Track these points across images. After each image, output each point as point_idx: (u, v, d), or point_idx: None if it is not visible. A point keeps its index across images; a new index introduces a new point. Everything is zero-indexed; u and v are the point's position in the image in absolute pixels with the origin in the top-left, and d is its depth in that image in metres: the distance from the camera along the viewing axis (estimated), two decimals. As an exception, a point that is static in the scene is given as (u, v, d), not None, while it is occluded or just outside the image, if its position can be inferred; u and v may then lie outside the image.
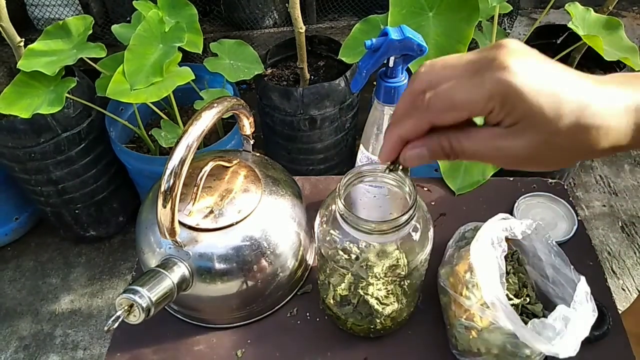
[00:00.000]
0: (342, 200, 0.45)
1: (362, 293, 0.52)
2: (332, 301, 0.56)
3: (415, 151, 0.33)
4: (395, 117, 0.34)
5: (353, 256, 0.50)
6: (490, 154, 0.31)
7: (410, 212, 0.45)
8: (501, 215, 0.56)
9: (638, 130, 0.29)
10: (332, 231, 0.50)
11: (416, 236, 0.49)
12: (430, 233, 0.50)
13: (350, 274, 0.51)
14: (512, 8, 1.21)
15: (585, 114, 0.28)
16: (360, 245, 0.50)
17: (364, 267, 0.50)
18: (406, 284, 0.52)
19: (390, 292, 0.52)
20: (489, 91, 0.29)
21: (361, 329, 0.56)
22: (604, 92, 0.29)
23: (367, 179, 0.50)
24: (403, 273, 0.50)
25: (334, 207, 0.48)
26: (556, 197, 0.73)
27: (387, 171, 0.36)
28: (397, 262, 0.50)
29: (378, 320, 0.54)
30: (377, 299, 0.52)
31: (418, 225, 0.49)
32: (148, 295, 0.46)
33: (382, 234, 0.45)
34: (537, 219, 0.57)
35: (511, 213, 0.71)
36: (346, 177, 0.48)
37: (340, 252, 0.50)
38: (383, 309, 0.53)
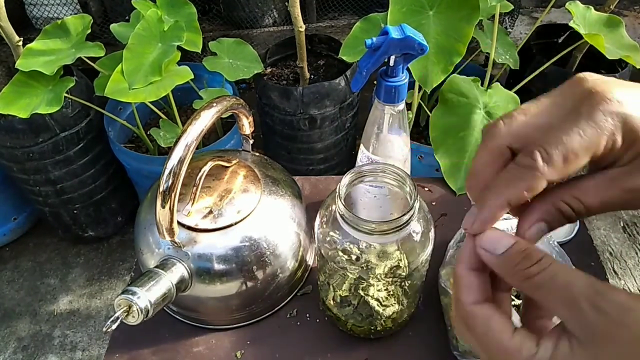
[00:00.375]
0: (342, 201, 0.45)
1: (362, 294, 0.52)
2: (332, 302, 0.55)
3: (534, 228, 0.29)
4: (482, 175, 0.30)
5: (353, 257, 0.50)
6: (619, 199, 0.27)
7: (411, 212, 0.44)
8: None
9: None
10: (332, 232, 0.49)
11: (417, 237, 0.49)
12: (431, 233, 0.50)
13: (350, 275, 0.50)
14: (513, 7, 1.21)
15: None
16: (360, 246, 0.50)
17: (365, 268, 0.50)
18: (407, 284, 0.52)
19: (391, 293, 0.52)
20: (609, 128, 0.26)
21: (361, 330, 0.56)
22: None
23: (368, 179, 0.49)
24: (404, 274, 0.49)
25: (334, 207, 0.48)
26: None
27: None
28: (398, 263, 0.49)
29: (378, 322, 0.54)
30: (377, 300, 0.52)
31: (419, 226, 0.49)
32: (147, 296, 0.46)
33: (382, 235, 0.45)
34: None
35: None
36: (346, 177, 0.47)
37: (341, 253, 0.50)
38: (384, 310, 0.53)
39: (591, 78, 0.27)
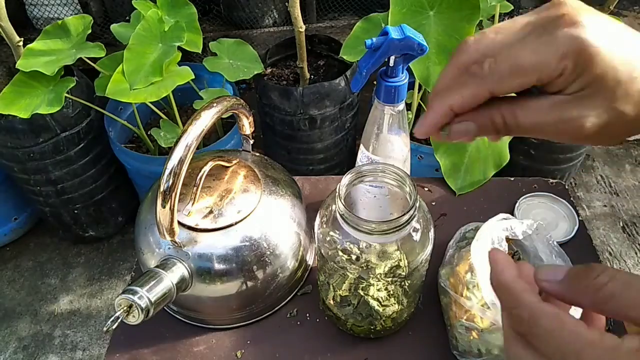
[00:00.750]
0: (342, 201, 0.45)
1: (362, 294, 0.52)
2: (332, 302, 0.56)
3: (462, 125, 0.29)
4: (441, 85, 0.29)
5: (353, 257, 0.50)
6: (552, 126, 0.27)
7: (411, 212, 0.44)
8: (502, 215, 0.56)
9: None
10: (332, 232, 0.49)
11: (417, 236, 0.49)
12: (431, 233, 0.50)
13: (350, 274, 0.50)
14: (512, 7, 1.21)
15: None
16: (360, 246, 0.50)
17: (365, 268, 0.50)
18: (407, 284, 0.52)
19: (391, 293, 0.52)
20: (563, 49, 0.26)
21: (361, 329, 0.56)
22: None
23: (368, 179, 0.50)
24: (404, 274, 0.49)
25: (334, 207, 0.48)
26: (557, 197, 0.72)
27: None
28: (398, 262, 0.49)
29: (378, 322, 0.54)
30: (377, 300, 0.52)
31: (419, 226, 0.49)
32: (147, 295, 0.46)
33: (382, 234, 0.45)
34: (538, 219, 0.57)
35: (512, 213, 0.71)
36: (346, 177, 0.47)
37: (340, 253, 0.50)
38: (384, 310, 0.53)
39: (571, 2, 0.27)
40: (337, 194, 0.45)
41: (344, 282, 0.52)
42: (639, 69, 0.26)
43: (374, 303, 0.52)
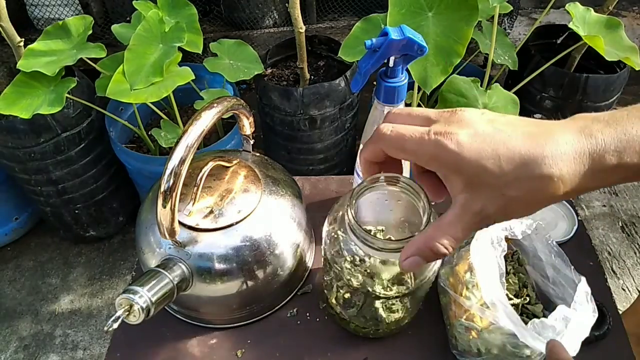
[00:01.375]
0: (353, 212, 0.43)
1: (368, 299, 0.51)
2: (334, 301, 0.56)
3: (409, 261, 0.35)
4: (366, 142, 0.38)
5: (361, 263, 0.49)
6: (471, 229, 0.33)
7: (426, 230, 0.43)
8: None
9: (593, 174, 0.30)
10: (340, 238, 0.49)
11: None
12: None
13: (357, 282, 0.50)
14: (512, 8, 1.21)
15: (531, 166, 0.30)
16: (369, 258, 0.49)
17: (371, 276, 0.49)
18: (415, 295, 0.51)
19: (398, 300, 0.51)
20: (431, 152, 0.32)
21: (365, 331, 0.56)
22: (553, 143, 0.30)
23: (379, 190, 0.48)
24: (412, 286, 0.49)
25: (341, 213, 0.47)
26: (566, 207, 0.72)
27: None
28: (407, 275, 0.49)
29: (382, 325, 0.54)
30: (384, 306, 0.52)
31: None
32: (148, 295, 0.46)
33: (392, 252, 0.43)
34: (537, 219, 0.57)
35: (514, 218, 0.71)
36: (359, 186, 0.46)
37: (349, 259, 0.49)
38: (388, 316, 0.52)
39: (466, 114, 0.33)
40: (347, 204, 0.43)
41: (351, 286, 0.52)
42: (505, 158, 0.31)
43: (380, 310, 0.52)
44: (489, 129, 0.32)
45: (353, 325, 0.56)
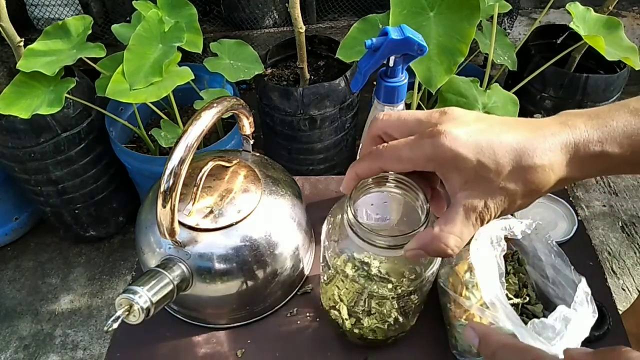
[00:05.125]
0: (353, 211, 0.43)
1: (369, 306, 0.51)
2: (333, 303, 0.55)
3: (414, 252, 0.36)
4: (359, 156, 0.40)
5: (361, 267, 0.49)
6: (475, 226, 0.34)
7: (424, 228, 0.43)
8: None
9: (579, 163, 0.33)
10: (339, 241, 0.48)
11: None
12: None
13: (358, 286, 0.49)
14: (511, 7, 1.21)
15: (524, 158, 0.32)
16: (368, 257, 0.49)
17: (372, 279, 0.49)
18: (415, 298, 0.51)
19: (398, 307, 0.51)
20: (428, 154, 0.33)
21: (371, 339, 0.55)
22: (541, 136, 0.33)
23: (377, 189, 0.48)
24: (412, 288, 0.48)
25: (340, 214, 0.47)
26: (556, 197, 0.73)
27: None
28: (406, 276, 0.48)
29: (380, 331, 0.54)
30: (383, 313, 0.51)
31: None
32: (148, 295, 0.46)
33: (393, 249, 0.43)
34: (537, 219, 0.57)
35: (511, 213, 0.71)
36: (359, 186, 0.46)
37: (349, 264, 0.49)
38: (387, 324, 0.52)
39: (454, 112, 0.35)
40: (347, 205, 0.44)
41: (350, 292, 0.51)
42: (504, 157, 0.32)
43: (379, 311, 0.51)
44: (481, 125, 0.33)
45: (356, 333, 0.55)
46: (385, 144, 0.36)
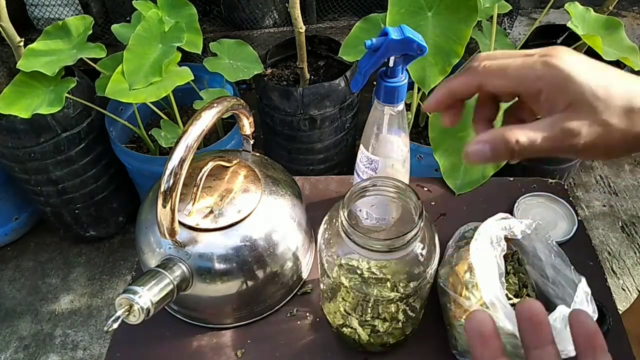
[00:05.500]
0: (346, 215, 0.43)
1: (368, 313, 0.51)
2: (332, 310, 0.55)
3: (477, 146, 0.33)
4: (449, 77, 0.37)
5: (358, 271, 0.49)
6: (553, 143, 0.32)
7: (416, 229, 0.43)
8: (501, 214, 0.56)
9: None
10: (335, 244, 0.48)
11: (423, 251, 0.47)
12: (437, 244, 0.48)
13: (359, 294, 0.49)
14: (511, 7, 1.21)
15: (636, 98, 0.31)
16: (357, 262, 0.49)
17: (371, 283, 0.49)
18: (414, 301, 0.51)
19: (398, 310, 0.51)
20: (539, 72, 0.33)
21: (371, 345, 0.55)
22: None
23: (371, 194, 0.48)
24: (409, 291, 0.48)
25: (336, 218, 0.47)
26: (556, 197, 0.73)
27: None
28: (403, 280, 0.48)
29: (378, 336, 0.53)
30: (382, 317, 0.51)
31: (424, 241, 0.47)
32: (148, 295, 0.46)
33: (388, 252, 0.43)
34: (537, 219, 0.57)
35: (511, 213, 0.71)
36: (351, 191, 0.46)
37: (344, 265, 0.49)
38: (387, 327, 0.52)
39: (562, 48, 0.34)
40: (341, 209, 0.43)
41: (349, 296, 0.51)
42: (616, 90, 0.32)
43: (378, 313, 0.51)
44: (594, 61, 0.33)
45: (368, 343, 0.54)
46: (488, 60, 0.35)
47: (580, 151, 0.33)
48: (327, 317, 0.57)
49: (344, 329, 0.54)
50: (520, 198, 0.72)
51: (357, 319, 0.52)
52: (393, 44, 0.46)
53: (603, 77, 0.32)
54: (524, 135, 0.32)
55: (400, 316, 0.51)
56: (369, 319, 0.52)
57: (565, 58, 0.32)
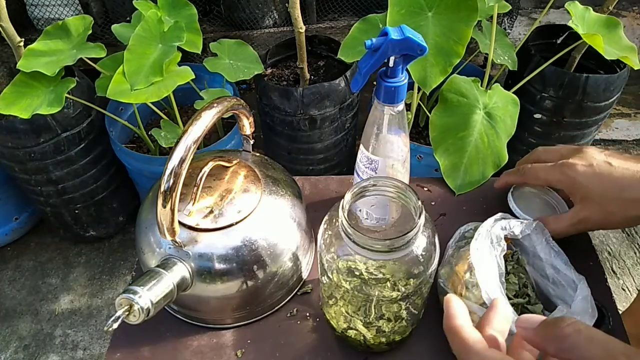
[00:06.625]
0: (347, 216, 0.43)
1: (368, 313, 0.51)
2: (332, 311, 0.55)
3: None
4: (515, 169, 0.64)
5: (357, 272, 0.49)
6: (575, 227, 0.56)
7: (416, 229, 0.43)
8: (501, 214, 0.56)
9: None
10: (335, 245, 0.48)
11: (423, 251, 0.47)
12: (437, 244, 0.48)
13: (362, 296, 0.49)
14: (511, 7, 1.21)
15: (626, 192, 0.51)
16: (366, 263, 0.49)
17: (370, 284, 0.49)
18: (415, 300, 0.50)
19: (398, 310, 0.51)
20: (559, 177, 0.56)
21: (373, 344, 0.55)
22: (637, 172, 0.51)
23: (370, 194, 0.48)
24: (410, 290, 0.48)
25: (336, 218, 0.46)
26: (556, 197, 0.72)
27: None
28: (403, 280, 0.48)
29: (378, 338, 0.53)
30: (383, 318, 0.51)
31: (424, 241, 0.47)
32: (148, 295, 0.46)
33: (387, 253, 0.43)
34: (535, 209, 0.58)
35: (511, 213, 0.71)
36: (351, 191, 0.46)
37: (343, 266, 0.49)
38: (388, 327, 0.52)
39: (585, 150, 0.56)
40: (341, 209, 0.43)
41: (348, 297, 0.51)
42: (611, 188, 0.52)
43: (381, 321, 0.51)
44: (602, 163, 0.53)
45: (374, 344, 0.54)
46: (529, 165, 0.60)
47: (593, 229, 0.56)
48: (330, 322, 0.57)
49: (350, 331, 0.54)
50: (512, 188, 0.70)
51: (361, 320, 0.52)
52: (393, 44, 0.46)
53: (601, 178, 0.52)
54: (553, 224, 0.57)
55: (404, 314, 0.51)
56: (372, 320, 0.52)
57: (577, 166, 0.53)
